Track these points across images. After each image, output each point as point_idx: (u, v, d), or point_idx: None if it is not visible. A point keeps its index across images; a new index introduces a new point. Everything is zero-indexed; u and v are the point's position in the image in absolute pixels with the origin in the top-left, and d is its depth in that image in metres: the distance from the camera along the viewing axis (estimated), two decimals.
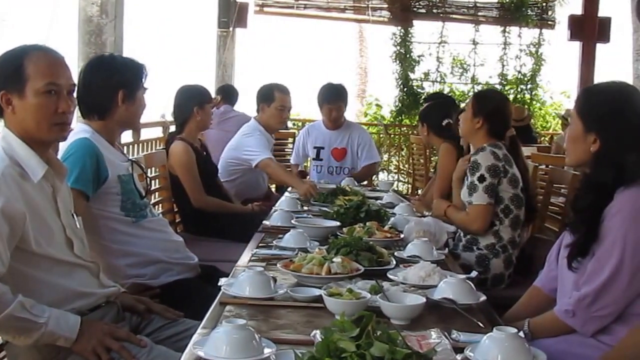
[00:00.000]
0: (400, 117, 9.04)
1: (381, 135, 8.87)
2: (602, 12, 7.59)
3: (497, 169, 2.72)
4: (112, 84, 2.32)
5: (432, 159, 6.34)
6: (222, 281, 1.83)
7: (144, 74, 2.40)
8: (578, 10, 7.79)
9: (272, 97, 4.29)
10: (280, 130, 6.04)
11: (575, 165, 1.89)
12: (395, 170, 8.99)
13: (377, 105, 10.63)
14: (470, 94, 9.00)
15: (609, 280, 1.71)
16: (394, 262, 2.11)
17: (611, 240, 1.71)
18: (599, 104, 1.82)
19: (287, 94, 4.35)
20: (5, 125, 1.83)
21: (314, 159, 4.74)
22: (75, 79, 1.94)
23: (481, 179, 2.70)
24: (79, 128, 2.33)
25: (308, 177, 4.66)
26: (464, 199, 2.81)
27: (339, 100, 4.61)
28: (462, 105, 8.13)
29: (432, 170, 6.09)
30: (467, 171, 2.78)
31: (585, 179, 1.83)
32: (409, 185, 7.80)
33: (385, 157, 8.86)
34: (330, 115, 4.61)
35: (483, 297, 1.76)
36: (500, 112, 2.86)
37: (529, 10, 8.63)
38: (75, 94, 1.88)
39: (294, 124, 8.72)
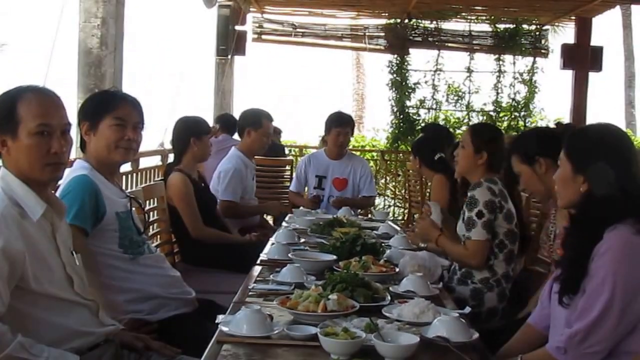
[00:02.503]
0: (396, 144, 9.10)
1: (377, 162, 8.93)
2: (594, 41, 7.72)
3: (494, 204, 2.76)
4: (79, 118, 2.38)
5: (428, 184, 6.37)
6: (220, 318, 1.85)
7: (109, 104, 2.34)
8: (571, 39, 7.93)
9: (260, 123, 4.43)
10: (279, 158, 6.15)
11: (568, 207, 1.93)
12: (392, 196, 9.03)
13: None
14: (466, 120, 9.08)
15: (600, 318, 1.73)
16: (389, 298, 2.13)
17: (601, 278, 1.74)
18: (586, 145, 1.88)
19: (272, 121, 4.59)
20: (3, 166, 1.86)
21: (315, 187, 4.81)
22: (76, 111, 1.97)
23: (479, 214, 2.73)
24: (77, 165, 2.36)
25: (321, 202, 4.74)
26: (460, 233, 2.83)
27: (347, 125, 4.74)
28: (458, 131, 8.25)
29: (427, 197, 6.11)
30: (464, 206, 2.81)
31: (574, 218, 1.88)
32: (405, 210, 7.83)
33: (382, 182, 8.91)
34: (337, 139, 4.71)
35: (476, 335, 1.79)
36: (500, 146, 2.91)
37: (522, 39, 8.75)
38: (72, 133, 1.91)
39: (290, 151, 8.77)
